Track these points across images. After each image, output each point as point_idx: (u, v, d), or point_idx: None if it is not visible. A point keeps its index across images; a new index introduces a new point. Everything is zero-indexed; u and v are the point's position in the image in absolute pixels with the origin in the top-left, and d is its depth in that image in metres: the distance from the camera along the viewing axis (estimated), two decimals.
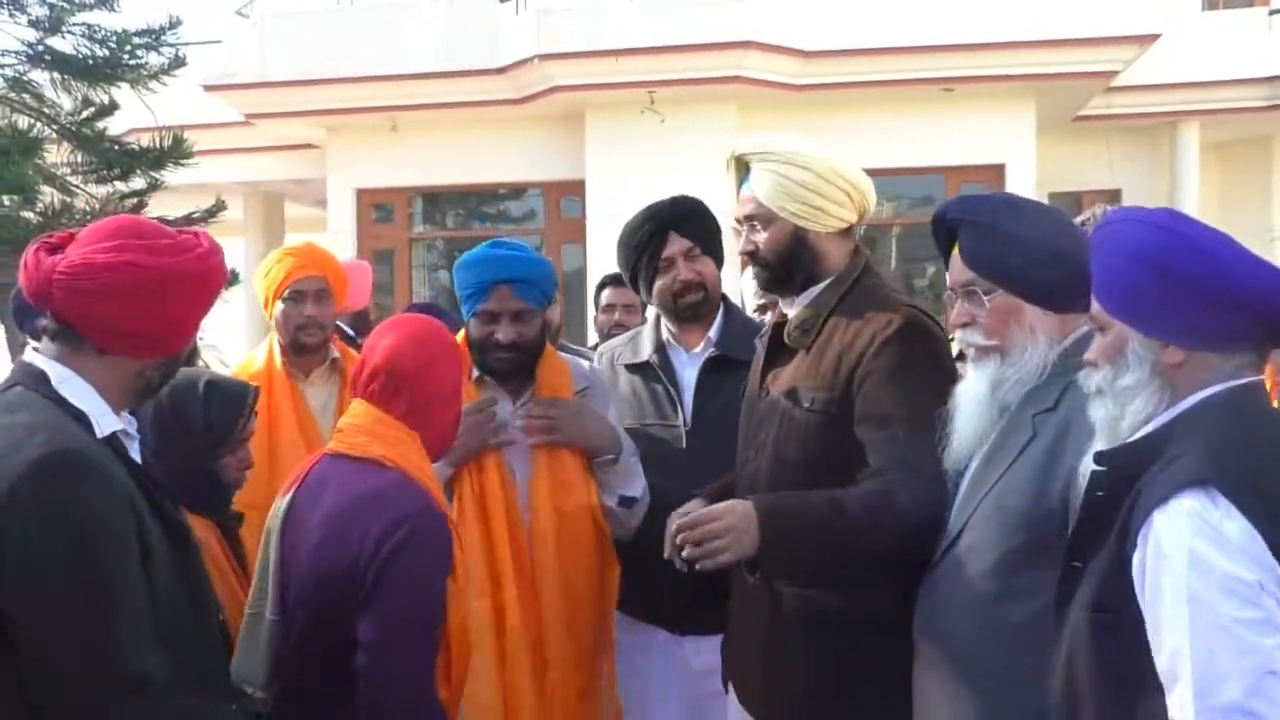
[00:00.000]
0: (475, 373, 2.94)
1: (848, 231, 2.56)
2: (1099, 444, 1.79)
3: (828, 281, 2.52)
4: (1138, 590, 1.59)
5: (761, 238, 2.53)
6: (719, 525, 2.19)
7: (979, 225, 2.19)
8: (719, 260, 3.12)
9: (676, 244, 3.06)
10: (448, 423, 2.35)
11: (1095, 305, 1.78)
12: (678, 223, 3.08)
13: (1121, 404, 1.74)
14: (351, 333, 4.78)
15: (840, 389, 2.38)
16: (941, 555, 2.22)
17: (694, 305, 3.07)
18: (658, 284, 3.09)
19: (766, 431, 2.50)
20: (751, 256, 2.57)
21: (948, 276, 2.29)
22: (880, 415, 2.31)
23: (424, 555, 2.07)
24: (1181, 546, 1.54)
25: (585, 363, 3.20)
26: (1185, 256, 1.68)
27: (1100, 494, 1.72)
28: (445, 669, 2.18)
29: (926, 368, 2.34)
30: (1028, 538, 2.04)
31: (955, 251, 2.24)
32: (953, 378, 2.35)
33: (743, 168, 2.59)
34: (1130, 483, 1.66)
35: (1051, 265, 2.13)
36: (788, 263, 2.52)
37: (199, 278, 1.89)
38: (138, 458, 1.91)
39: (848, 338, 2.41)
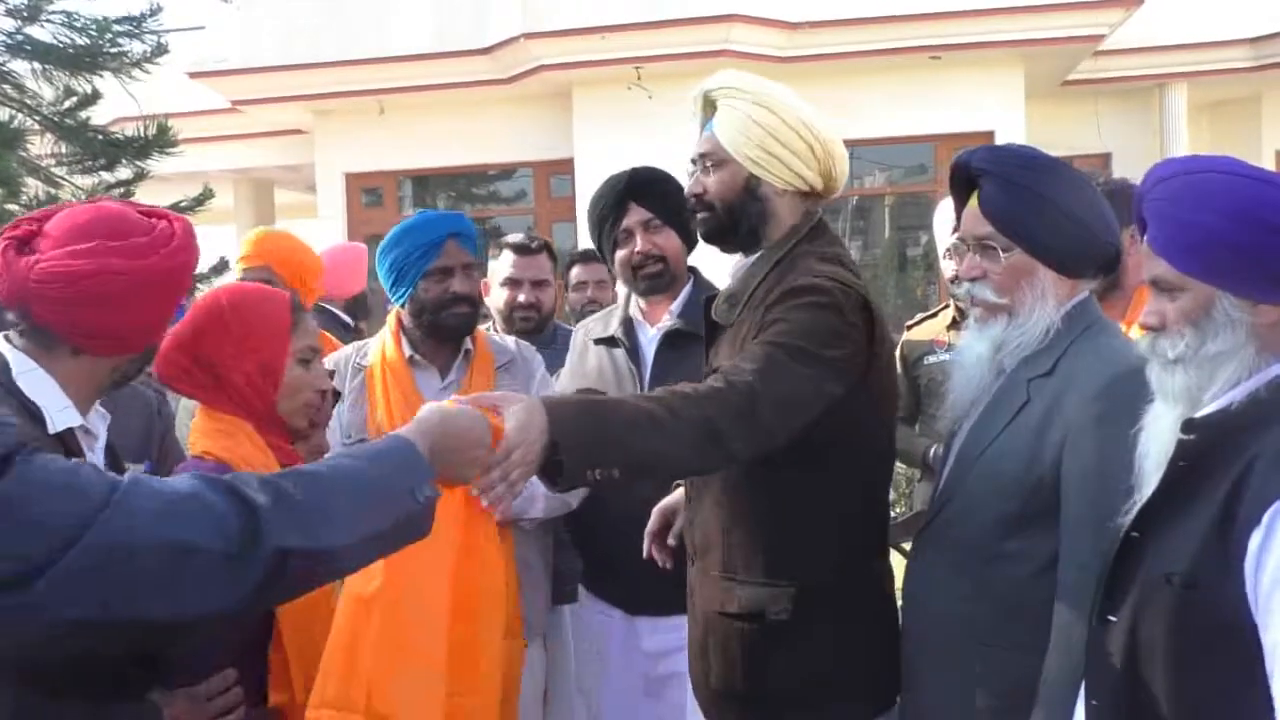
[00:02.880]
0: (408, 351, 2.96)
1: (807, 196, 2.38)
2: (1176, 415, 1.65)
3: (761, 252, 2.38)
4: (1249, 572, 1.46)
5: (711, 180, 2.37)
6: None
7: (1006, 180, 2.10)
8: (684, 232, 3.05)
9: (635, 214, 3.03)
10: (253, 389, 2.08)
11: (1163, 267, 1.64)
12: (637, 193, 3.05)
13: (1210, 371, 1.61)
14: (347, 318, 4.73)
15: None
16: (933, 516, 2.21)
17: (652, 277, 3.04)
18: (618, 255, 3.07)
19: None
20: (698, 200, 2.41)
21: (960, 225, 2.23)
22: (757, 339, 2.14)
23: None
24: None
25: (509, 340, 3.21)
26: None
27: (1183, 464, 1.60)
28: (281, 670, 1.98)
29: (808, 315, 2.14)
30: (1018, 504, 2.03)
31: (974, 202, 2.16)
32: (846, 326, 2.17)
33: (710, 109, 2.43)
34: (1225, 453, 1.54)
35: (1073, 230, 2.08)
36: (734, 211, 2.36)
37: (180, 271, 1.83)
38: (99, 453, 1.85)
39: (757, 313, 2.26)
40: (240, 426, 2.07)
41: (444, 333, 2.95)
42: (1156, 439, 1.69)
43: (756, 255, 2.39)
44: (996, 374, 2.17)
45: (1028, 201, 2.08)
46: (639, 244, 3.03)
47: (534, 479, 2.79)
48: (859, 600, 2.30)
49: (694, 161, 2.43)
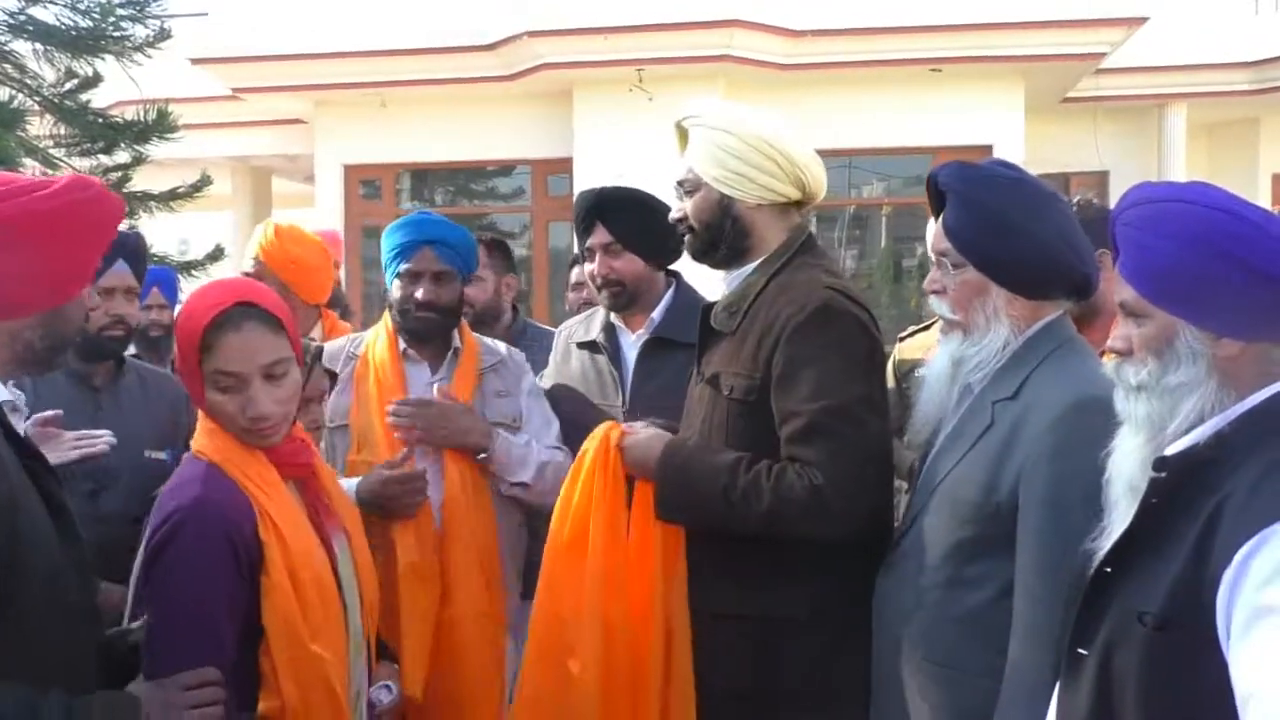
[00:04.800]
0: (402, 346, 3.02)
1: (787, 208, 2.50)
2: (1139, 443, 1.64)
3: (758, 261, 2.48)
4: (1221, 613, 1.44)
5: (689, 204, 2.51)
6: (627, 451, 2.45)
7: (964, 198, 2.12)
8: (651, 253, 3.09)
9: (598, 235, 3.10)
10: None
11: (1130, 293, 1.63)
12: (602, 214, 3.11)
13: (1172, 402, 1.59)
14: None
15: (759, 377, 2.35)
16: (901, 535, 2.22)
17: (611, 297, 3.11)
18: (586, 269, 3.17)
19: (698, 417, 2.49)
20: (682, 223, 2.55)
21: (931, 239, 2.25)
22: (793, 411, 2.30)
23: (183, 554, 1.90)
24: None
25: (500, 344, 3.25)
26: (1252, 240, 1.52)
27: (1155, 501, 1.58)
28: (269, 673, 1.94)
29: (839, 354, 2.30)
30: (976, 531, 2.02)
31: (941, 218, 2.18)
32: (872, 357, 2.36)
33: (685, 138, 2.57)
34: (1196, 491, 1.52)
35: (1029, 253, 2.06)
36: (712, 230, 2.49)
37: (44, 220, 1.71)
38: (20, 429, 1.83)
39: (766, 322, 2.36)
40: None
41: (409, 333, 3.00)
42: (1123, 463, 1.67)
43: (753, 266, 2.47)
44: (963, 392, 2.16)
45: (980, 220, 2.08)
46: (597, 266, 3.11)
47: (533, 444, 2.87)
48: (866, 601, 2.32)
49: (676, 187, 2.56)
